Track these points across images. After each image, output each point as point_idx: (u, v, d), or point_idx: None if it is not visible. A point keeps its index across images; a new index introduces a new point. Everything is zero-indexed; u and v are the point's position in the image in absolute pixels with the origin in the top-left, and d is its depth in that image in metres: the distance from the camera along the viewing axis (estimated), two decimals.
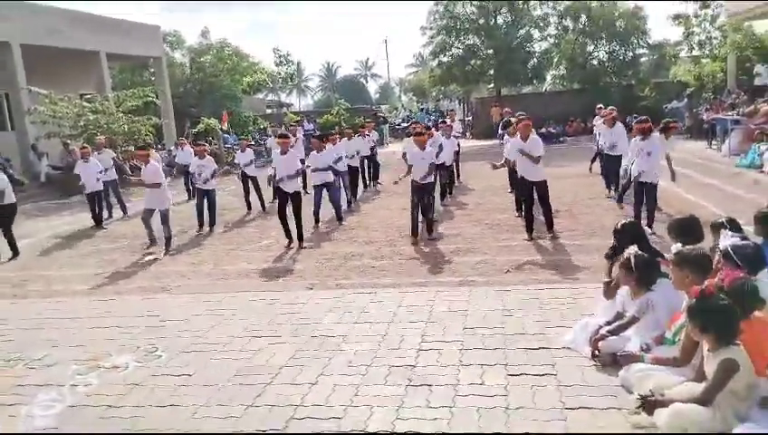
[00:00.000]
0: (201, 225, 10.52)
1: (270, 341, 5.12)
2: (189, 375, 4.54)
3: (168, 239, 9.32)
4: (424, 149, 8.68)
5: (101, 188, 11.72)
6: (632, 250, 4.18)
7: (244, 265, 8.07)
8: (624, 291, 4.26)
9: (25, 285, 7.86)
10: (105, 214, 12.53)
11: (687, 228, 4.51)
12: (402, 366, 4.40)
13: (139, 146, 9.57)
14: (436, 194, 9.65)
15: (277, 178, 8.91)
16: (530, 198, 8.36)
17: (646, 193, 8.19)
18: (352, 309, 5.76)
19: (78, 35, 19.24)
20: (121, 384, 4.47)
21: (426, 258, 7.76)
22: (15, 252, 9.47)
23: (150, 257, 8.84)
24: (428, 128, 11.86)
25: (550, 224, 8.36)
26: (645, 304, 4.05)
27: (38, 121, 17.42)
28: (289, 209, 8.96)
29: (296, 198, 8.96)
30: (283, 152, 8.99)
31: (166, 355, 4.97)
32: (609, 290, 4.66)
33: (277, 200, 9.20)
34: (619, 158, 10.52)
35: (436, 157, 9.53)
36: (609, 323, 4.24)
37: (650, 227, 7.75)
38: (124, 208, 12.81)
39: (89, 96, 19.15)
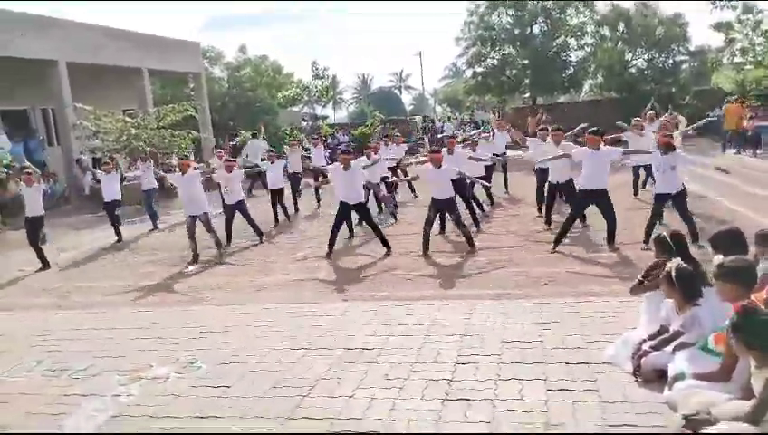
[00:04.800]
0: (229, 241, 10.38)
1: (306, 353, 5.14)
2: (228, 387, 4.59)
3: (218, 244, 9.60)
4: (440, 166, 8.66)
5: (117, 198, 12.02)
6: (674, 263, 4.07)
7: (280, 277, 8.14)
8: (669, 304, 4.14)
9: (69, 296, 8.08)
10: (151, 225, 12.78)
11: (731, 240, 4.38)
12: (439, 380, 4.37)
13: (180, 156, 9.88)
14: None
15: (340, 192, 9.20)
16: (551, 200, 8.69)
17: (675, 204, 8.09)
18: (388, 321, 5.75)
19: (121, 53, 19.80)
20: (162, 395, 4.54)
21: (461, 271, 7.70)
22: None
23: (188, 270, 8.98)
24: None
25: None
26: (690, 320, 3.93)
27: (82, 136, 17.97)
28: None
29: (362, 209, 9.18)
30: (345, 168, 9.07)
31: (205, 367, 5.03)
32: (637, 288, 4.67)
33: (337, 214, 9.24)
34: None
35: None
36: (652, 338, 4.13)
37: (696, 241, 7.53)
38: (154, 222, 12.89)
39: (131, 111, 19.68)
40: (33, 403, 4.57)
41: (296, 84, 30.07)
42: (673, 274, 3.98)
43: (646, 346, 4.06)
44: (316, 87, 32.71)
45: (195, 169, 9.88)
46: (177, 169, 9.77)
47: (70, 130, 17.99)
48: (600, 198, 8.21)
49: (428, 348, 5.00)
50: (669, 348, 3.97)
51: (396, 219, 11.47)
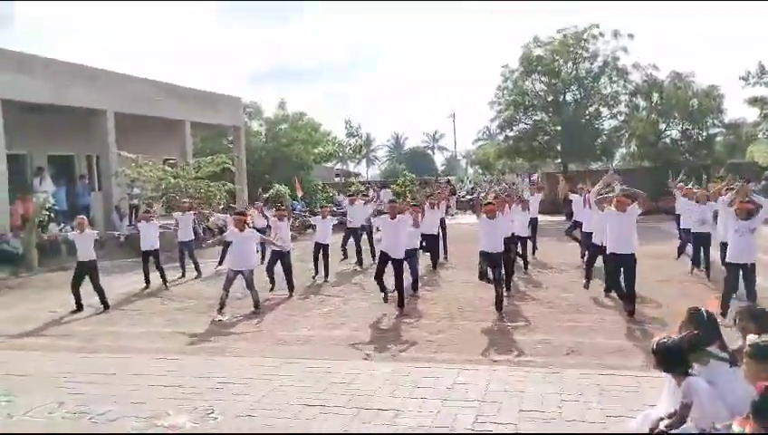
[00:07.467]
0: (273, 285, 10.72)
1: (324, 410, 5.14)
2: None
3: (257, 302, 9.56)
4: (494, 218, 8.79)
5: (157, 247, 12.19)
6: (656, 338, 4.03)
7: (303, 332, 8.18)
8: (673, 381, 4.04)
9: (95, 340, 8.22)
10: (179, 273, 13.06)
11: (763, 318, 4.29)
12: None
13: (237, 211, 10.21)
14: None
15: (383, 242, 9.44)
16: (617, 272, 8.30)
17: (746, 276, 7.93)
18: (407, 383, 5.72)
19: (166, 105, 20.63)
20: None
21: (484, 335, 7.64)
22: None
23: (216, 318, 9.09)
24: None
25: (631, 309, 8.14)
26: (686, 389, 3.84)
27: (123, 184, 18.61)
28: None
29: (398, 264, 9.24)
30: (392, 217, 9.34)
31: (221, 418, 5.06)
32: None
33: (377, 264, 9.54)
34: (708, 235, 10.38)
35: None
36: (669, 417, 4.03)
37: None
38: (198, 270, 13.21)
39: (172, 161, 20.34)
40: None
41: (332, 142, 30.74)
42: (653, 347, 3.94)
43: (662, 425, 3.96)
44: (349, 144, 33.41)
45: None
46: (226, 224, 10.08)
47: (111, 178, 18.64)
48: (628, 263, 8.10)
49: (445, 412, 4.95)
50: (690, 425, 3.86)
51: (415, 292, 10.29)
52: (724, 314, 7.43)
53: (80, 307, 9.98)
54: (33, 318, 9.60)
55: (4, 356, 7.40)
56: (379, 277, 9.25)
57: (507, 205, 10.40)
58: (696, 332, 4.12)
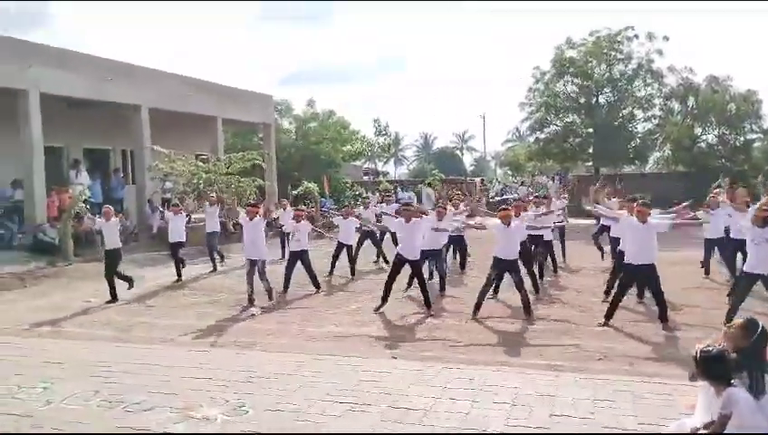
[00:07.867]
0: (286, 288, 10.47)
1: (352, 407, 5.16)
2: None
3: (269, 292, 9.85)
4: (509, 224, 8.61)
5: (184, 240, 12.64)
6: (699, 345, 3.94)
7: (331, 328, 8.23)
8: (711, 391, 3.95)
9: (129, 330, 8.39)
10: (210, 267, 13.45)
11: None
12: None
13: (250, 203, 10.42)
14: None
15: (400, 245, 9.37)
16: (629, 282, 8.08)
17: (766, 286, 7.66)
18: (436, 383, 5.71)
19: (199, 102, 20.94)
20: None
21: (513, 338, 7.59)
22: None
23: (249, 312, 9.22)
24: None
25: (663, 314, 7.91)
26: (727, 400, 3.76)
27: (156, 178, 18.93)
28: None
29: (415, 265, 9.17)
30: (408, 220, 9.25)
31: (252, 412, 5.11)
32: (697, 374, 4.35)
33: (392, 265, 9.48)
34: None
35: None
36: (706, 427, 3.95)
37: None
38: (221, 259, 13.50)
39: (204, 157, 20.62)
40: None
41: (360, 140, 30.85)
42: (695, 356, 3.85)
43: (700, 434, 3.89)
44: (378, 143, 33.49)
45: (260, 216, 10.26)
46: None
47: (145, 172, 18.97)
48: (648, 274, 7.86)
49: (475, 414, 4.93)
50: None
51: (443, 292, 10.40)
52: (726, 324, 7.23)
53: (114, 298, 10.19)
54: (68, 307, 9.85)
55: (40, 344, 7.60)
56: (390, 279, 9.13)
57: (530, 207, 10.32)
58: (735, 357, 3.98)
